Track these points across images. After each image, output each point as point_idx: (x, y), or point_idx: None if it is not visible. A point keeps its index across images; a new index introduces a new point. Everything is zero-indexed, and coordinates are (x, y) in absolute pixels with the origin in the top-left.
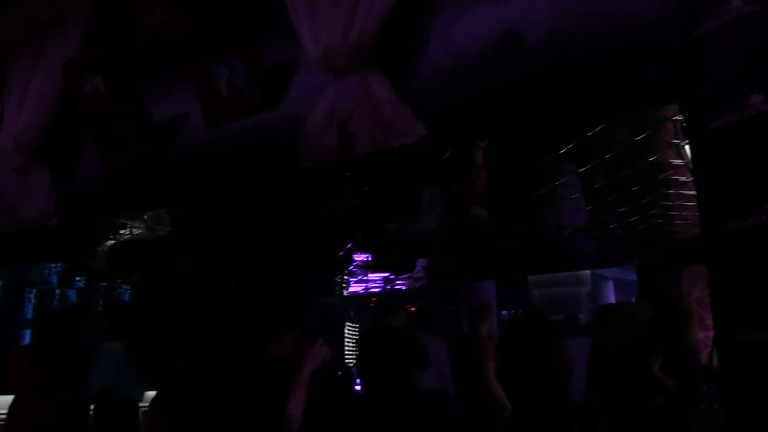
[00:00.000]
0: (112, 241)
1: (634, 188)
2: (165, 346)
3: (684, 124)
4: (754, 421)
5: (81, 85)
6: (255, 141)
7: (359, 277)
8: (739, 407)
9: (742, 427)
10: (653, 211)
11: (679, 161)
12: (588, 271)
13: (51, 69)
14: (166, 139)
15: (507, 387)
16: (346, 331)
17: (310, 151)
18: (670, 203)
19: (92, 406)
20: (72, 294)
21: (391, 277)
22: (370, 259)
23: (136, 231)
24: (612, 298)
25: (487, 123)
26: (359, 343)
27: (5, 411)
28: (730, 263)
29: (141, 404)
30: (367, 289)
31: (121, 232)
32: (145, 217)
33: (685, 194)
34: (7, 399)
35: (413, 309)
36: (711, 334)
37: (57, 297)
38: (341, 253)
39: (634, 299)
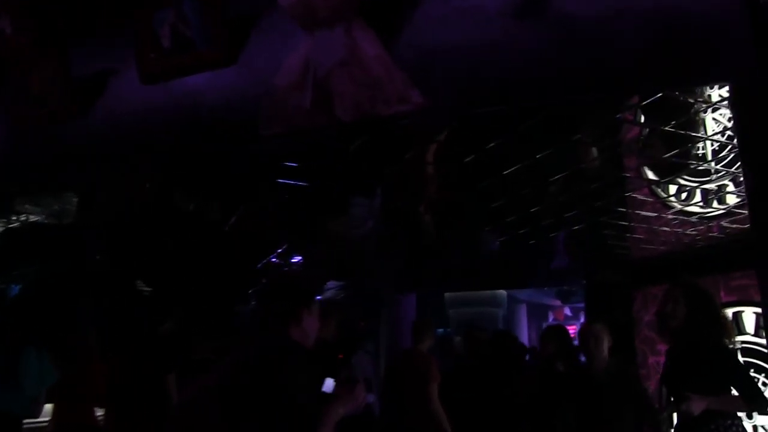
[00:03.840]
0: (6, 224)
1: (592, 205)
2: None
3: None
4: None
5: None
6: (201, 105)
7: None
8: None
9: None
10: (606, 231)
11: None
12: (505, 292)
13: None
14: (92, 97)
15: (449, 409)
16: None
17: (275, 114)
18: (626, 223)
19: None
20: None
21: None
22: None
23: (36, 213)
24: (524, 321)
25: (497, 97)
26: None
27: None
28: None
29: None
30: None
31: (20, 212)
32: (49, 197)
33: (641, 215)
34: None
35: None
36: (662, 360)
37: None
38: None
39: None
